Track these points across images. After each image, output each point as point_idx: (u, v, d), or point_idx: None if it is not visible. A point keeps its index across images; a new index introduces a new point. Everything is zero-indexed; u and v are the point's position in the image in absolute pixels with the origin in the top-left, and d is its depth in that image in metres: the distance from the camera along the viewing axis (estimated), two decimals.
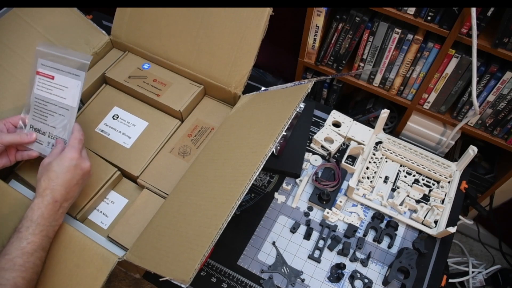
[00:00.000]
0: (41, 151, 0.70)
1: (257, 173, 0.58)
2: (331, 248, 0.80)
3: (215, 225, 0.55)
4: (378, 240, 0.82)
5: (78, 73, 0.67)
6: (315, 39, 1.19)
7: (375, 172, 0.90)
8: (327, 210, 0.84)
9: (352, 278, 0.77)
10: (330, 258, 0.80)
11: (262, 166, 0.59)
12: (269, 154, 0.60)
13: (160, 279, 0.55)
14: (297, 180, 0.89)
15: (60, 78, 0.68)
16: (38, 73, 0.69)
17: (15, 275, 0.54)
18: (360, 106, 1.39)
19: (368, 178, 0.89)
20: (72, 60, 0.67)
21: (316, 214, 0.85)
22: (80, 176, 0.64)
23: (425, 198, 0.88)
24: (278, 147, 0.90)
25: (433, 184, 0.90)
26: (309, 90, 0.66)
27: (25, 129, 0.70)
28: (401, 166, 0.92)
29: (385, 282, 0.77)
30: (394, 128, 1.32)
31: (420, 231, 0.83)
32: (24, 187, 0.73)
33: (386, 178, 0.90)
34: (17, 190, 0.68)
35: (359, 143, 0.93)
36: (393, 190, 0.88)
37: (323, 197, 0.84)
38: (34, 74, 0.69)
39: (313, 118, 0.98)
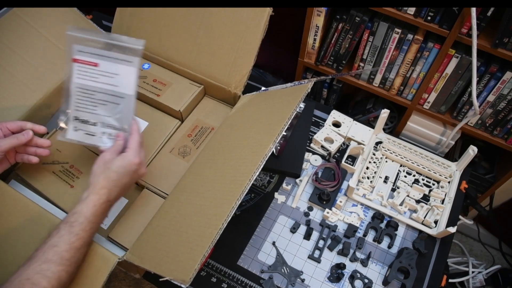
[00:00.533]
0: (94, 143, 0.67)
1: (257, 173, 0.58)
2: (331, 248, 0.80)
3: (215, 225, 0.55)
4: (378, 240, 0.82)
5: (131, 59, 0.64)
6: (315, 39, 1.19)
7: (375, 172, 0.90)
8: (327, 210, 0.84)
9: (352, 278, 0.77)
10: (330, 258, 0.80)
11: (262, 166, 0.59)
12: (269, 154, 0.60)
13: (160, 279, 0.55)
14: (297, 180, 0.89)
15: (106, 64, 0.64)
16: (76, 60, 0.64)
17: (60, 268, 0.54)
18: (360, 106, 1.39)
19: (368, 178, 0.89)
20: (119, 46, 0.63)
21: (316, 214, 0.85)
22: (135, 181, 0.66)
23: (425, 198, 0.88)
24: (278, 147, 0.90)
25: (433, 184, 0.90)
26: (309, 90, 0.66)
27: (66, 124, 0.66)
28: (401, 166, 0.92)
29: (385, 282, 0.77)
30: (394, 128, 1.32)
31: (420, 231, 0.83)
32: (24, 187, 0.73)
33: (386, 178, 0.90)
34: (17, 190, 0.68)
35: (359, 143, 0.93)
36: (393, 190, 0.88)
37: (323, 197, 0.84)
38: (69, 61, 0.64)
39: (313, 118, 0.98)
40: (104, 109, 0.66)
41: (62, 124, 0.67)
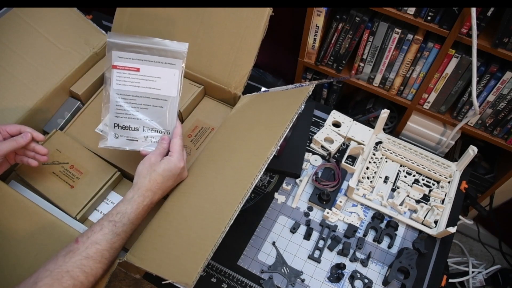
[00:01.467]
0: (136, 148, 0.67)
1: (259, 176, 0.58)
2: (331, 248, 0.80)
3: (218, 228, 0.55)
4: (378, 240, 0.82)
5: (174, 61, 0.64)
6: (315, 39, 1.19)
7: (375, 172, 0.90)
8: (327, 210, 0.84)
9: (352, 278, 0.77)
10: (330, 258, 0.80)
11: (264, 169, 0.59)
12: (271, 157, 0.60)
13: (163, 282, 0.55)
14: (297, 180, 0.89)
15: (148, 69, 0.64)
16: (115, 67, 0.64)
17: (99, 266, 0.56)
18: (360, 106, 1.39)
19: (368, 178, 0.89)
20: (162, 50, 0.64)
21: (316, 214, 0.85)
22: (176, 183, 0.67)
23: (425, 198, 0.88)
24: (278, 147, 0.89)
25: (433, 184, 0.90)
26: (310, 93, 0.66)
27: (108, 131, 0.67)
28: (401, 166, 0.92)
29: (385, 282, 0.77)
30: (394, 128, 1.32)
31: (420, 231, 0.83)
32: (24, 188, 0.73)
33: (386, 178, 0.90)
34: (17, 191, 0.68)
35: (359, 143, 0.93)
36: (393, 190, 0.88)
37: (323, 197, 0.84)
38: (109, 68, 0.64)
39: (313, 118, 0.98)
40: (146, 113, 0.66)
41: (101, 133, 0.68)
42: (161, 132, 0.68)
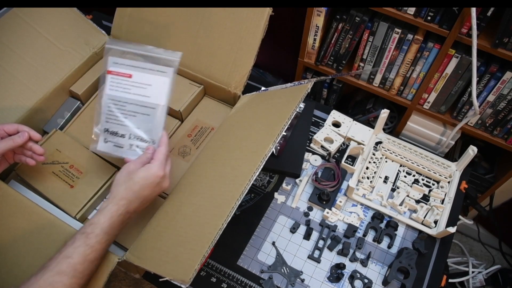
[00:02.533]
0: (122, 155, 0.67)
1: (257, 173, 0.58)
2: (331, 248, 0.80)
3: (215, 225, 0.55)
4: (378, 240, 0.82)
5: (165, 69, 0.63)
6: (315, 39, 1.19)
7: (375, 172, 0.90)
8: (327, 210, 0.84)
9: (352, 278, 0.77)
10: (330, 258, 0.80)
11: (262, 166, 0.59)
12: (269, 154, 0.60)
13: (160, 279, 0.55)
14: (297, 180, 0.89)
15: (140, 76, 0.64)
16: (110, 72, 0.64)
17: (73, 281, 0.54)
18: (360, 106, 1.39)
19: (368, 178, 0.89)
20: (155, 57, 0.64)
21: (316, 214, 0.85)
22: (157, 193, 0.64)
23: (425, 198, 0.88)
24: (278, 147, 0.90)
25: (433, 184, 0.90)
26: (309, 90, 0.66)
27: (99, 137, 0.66)
28: (401, 166, 0.92)
29: (385, 282, 0.77)
30: (394, 128, 1.32)
31: (420, 231, 0.83)
32: (23, 188, 0.73)
33: (386, 178, 0.90)
34: (17, 191, 0.68)
35: (359, 143, 0.93)
36: (393, 190, 0.88)
37: (323, 197, 0.84)
38: (104, 73, 0.64)
39: (313, 118, 0.98)
40: (134, 120, 0.66)
41: (94, 137, 0.67)
42: (147, 141, 0.67)
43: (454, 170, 0.90)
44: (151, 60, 0.64)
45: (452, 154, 1.29)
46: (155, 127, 0.66)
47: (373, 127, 0.95)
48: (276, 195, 0.87)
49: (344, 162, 0.90)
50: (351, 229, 0.82)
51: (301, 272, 0.78)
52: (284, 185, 0.88)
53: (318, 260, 0.79)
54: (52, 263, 0.54)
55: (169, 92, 0.65)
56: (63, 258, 0.54)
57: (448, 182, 0.89)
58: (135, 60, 0.64)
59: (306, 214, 0.85)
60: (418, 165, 0.90)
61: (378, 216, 0.84)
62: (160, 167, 0.63)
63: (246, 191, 0.57)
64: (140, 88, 0.65)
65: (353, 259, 0.79)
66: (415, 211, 0.85)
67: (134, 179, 0.61)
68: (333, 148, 0.91)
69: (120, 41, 0.65)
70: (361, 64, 1.20)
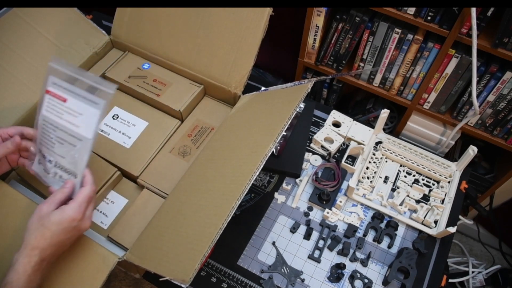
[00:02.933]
0: (47, 181, 0.63)
1: (257, 173, 0.58)
2: (331, 248, 0.80)
3: (215, 225, 0.55)
4: (378, 240, 0.82)
5: (98, 101, 0.57)
6: (315, 39, 1.19)
7: (375, 172, 0.90)
8: (327, 210, 0.84)
9: (352, 278, 0.77)
10: (330, 258, 0.80)
11: (262, 166, 0.59)
12: (269, 154, 0.60)
13: (160, 279, 0.55)
14: (297, 180, 0.89)
15: (74, 102, 0.59)
16: (48, 92, 0.60)
17: None
18: (360, 106, 1.39)
19: (368, 178, 0.89)
20: (90, 85, 0.59)
21: (316, 214, 0.85)
22: (75, 237, 0.59)
23: (425, 198, 0.88)
24: (278, 147, 0.90)
25: (433, 184, 0.90)
26: (309, 90, 0.66)
27: (35, 156, 0.63)
28: (401, 166, 0.92)
29: (385, 282, 0.77)
30: (394, 128, 1.32)
31: (420, 231, 0.83)
32: (24, 187, 0.73)
33: (386, 178, 0.90)
34: (17, 190, 0.68)
35: (359, 143, 0.93)
36: (393, 190, 0.88)
37: (323, 197, 0.84)
38: (43, 92, 0.61)
39: (313, 118, 0.98)
40: (61, 148, 0.61)
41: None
42: (69, 173, 0.61)
43: (454, 170, 0.90)
44: (88, 88, 0.59)
45: (452, 154, 1.29)
46: (79, 160, 0.60)
47: (373, 127, 0.95)
48: (276, 195, 0.87)
49: (344, 162, 0.90)
50: (351, 229, 0.82)
51: (301, 272, 0.78)
52: (284, 185, 0.88)
53: (318, 260, 0.79)
54: None
55: (96, 126, 0.59)
56: None
57: (448, 182, 0.89)
58: (73, 84, 0.59)
59: (306, 214, 0.85)
60: (418, 165, 0.90)
61: (378, 216, 0.84)
62: (77, 210, 0.56)
63: (246, 191, 0.57)
64: (71, 116, 0.59)
65: (353, 259, 0.79)
66: (415, 211, 0.85)
67: (45, 224, 0.55)
68: (333, 148, 0.92)
69: (64, 62, 0.61)
70: (361, 64, 1.20)
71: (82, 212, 0.57)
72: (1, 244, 0.63)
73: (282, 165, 0.88)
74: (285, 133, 0.91)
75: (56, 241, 0.55)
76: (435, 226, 0.83)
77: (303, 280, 0.77)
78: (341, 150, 0.94)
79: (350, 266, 0.79)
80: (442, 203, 0.86)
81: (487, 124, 1.13)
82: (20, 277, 0.52)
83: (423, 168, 0.90)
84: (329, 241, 0.81)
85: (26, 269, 0.53)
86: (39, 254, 0.54)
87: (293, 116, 0.63)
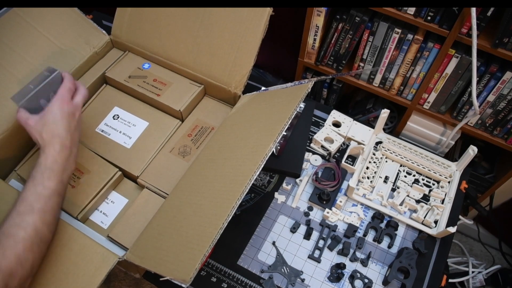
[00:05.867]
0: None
1: (257, 173, 0.58)
2: (331, 248, 0.80)
3: (216, 224, 0.56)
4: (378, 240, 0.82)
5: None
6: (315, 39, 1.19)
7: (375, 172, 0.90)
8: (327, 210, 0.84)
9: (352, 278, 0.77)
10: (330, 258, 0.80)
11: (262, 166, 0.59)
12: (269, 154, 0.60)
13: (161, 279, 0.55)
14: (297, 180, 0.89)
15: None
16: None
17: (35, 217, 0.55)
18: (360, 106, 1.39)
19: (368, 178, 0.89)
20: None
21: (316, 214, 0.85)
22: (76, 122, 0.65)
23: (425, 198, 0.88)
24: (278, 147, 0.90)
25: (433, 184, 0.90)
26: (309, 90, 0.66)
27: None
28: (401, 166, 0.92)
29: (385, 282, 0.77)
30: (394, 128, 1.32)
31: (420, 231, 0.83)
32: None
33: (386, 178, 0.90)
34: (17, 190, 0.68)
35: (359, 143, 0.93)
36: (393, 190, 0.88)
37: (323, 197, 0.84)
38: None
39: (313, 118, 0.98)
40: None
41: None
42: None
43: (454, 170, 0.90)
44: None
45: (452, 154, 1.29)
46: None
47: (373, 127, 0.95)
48: (276, 195, 0.87)
49: (344, 162, 0.90)
50: (351, 229, 0.82)
51: (301, 272, 0.78)
52: (284, 185, 0.88)
53: (318, 260, 0.79)
54: (11, 210, 0.56)
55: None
56: (19, 202, 0.56)
57: (448, 182, 0.89)
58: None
59: (306, 214, 0.85)
60: (418, 165, 0.90)
61: (378, 216, 0.84)
62: (61, 97, 0.63)
63: (247, 190, 0.57)
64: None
65: (353, 259, 0.79)
66: (415, 211, 0.85)
67: (45, 122, 0.61)
68: (333, 148, 0.92)
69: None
70: (361, 64, 1.20)
71: (67, 99, 0.64)
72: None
73: (282, 165, 0.88)
74: (285, 133, 0.91)
75: (64, 127, 0.62)
76: (435, 226, 0.83)
77: (303, 280, 0.77)
78: (341, 150, 0.94)
79: (350, 266, 0.79)
80: (442, 203, 0.86)
81: (487, 124, 1.13)
82: (47, 159, 0.59)
83: (423, 168, 0.90)
84: (329, 241, 0.81)
85: (53, 154, 0.59)
86: (59, 141, 0.60)
87: (293, 116, 0.63)
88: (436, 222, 0.84)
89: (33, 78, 0.67)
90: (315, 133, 0.94)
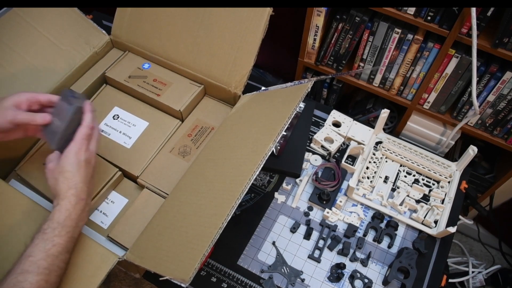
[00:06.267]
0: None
1: (257, 173, 0.58)
2: (331, 248, 0.80)
3: (215, 224, 0.56)
4: (378, 240, 0.82)
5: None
6: (315, 39, 1.19)
7: (375, 172, 0.90)
8: (327, 210, 0.84)
9: (352, 278, 0.77)
10: (330, 258, 0.80)
11: (262, 166, 0.59)
12: (269, 153, 0.60)
13: (160, 279, 0.55)
14: (297, 180, 0.89)
15: None
16: None
17: (39, 278, 0.52)
18: (360, 106, 1.39)
19: (368, 178, 0.89)
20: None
21: (316, 214, 0.85)
22: (91, 170, 0.64)
23: (425, 198, 0.88)
24: (278, 147, 0.90)
25: (433, 184, 0.90)
26: (309, 90, 0.66)
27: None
28: (401, 166, 0.92)
29: (385, 282, 0.77)
30: (394, 128, 1.32)
31: (420, 231, 0.83)
32: (23, 187, 0.73)
33: (386, 178, 0.90)
34: (17, 190, 0.68)
35: (359, 143, 0.93)
36: (393, 190, 0.88)
37: (323, 197, 0.84)
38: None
39: (313, 118, 0.98)
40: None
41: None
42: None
43: (454, 170, 0.90)
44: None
45: (452, 154, 1.29)
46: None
47: (373, 127, 0.95)
48: (276, 194, 0.87)
49: (344, 162, 0.90)
50: (351, 229, 0.82)
51: (301, 272, 0.78)
52: (284, 184, 0.88)
53: (318, 260, 0.79)
54: (15, 266, 0.53)
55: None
56: (25, 258, 0.53)
57: (448, 182, 0.89)
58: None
59: (306, 214, 0.85)
60: (418, 165, 0.90)
61: (378, 216, 0.84)
62: (77, 146, 0.61)
63: (246, 190, 0.57)
64: None
65: (353, 259, 0.79)
66: (415, 211, 0.85)
67: (62, 170, 0.60)
68: (333, 148, 0.92)
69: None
70: (361, 64, 1.20)
71: (84, 146, 0.62)
72: (1, 243, 0.63)
73: (282, 165, 0.88)
74: (285, 133, 0.91)
75: (81, 178, 0.61)
76: (435, 226, 0.83)
77: (303, 280, 0.77)
78: (341, 150, 0.94)
79: (350, 266, 0.79)
80: (442, 203, 0.86)
81: (487, 124, 1.13)
82: (61, 214, 0.58)
83: (423, 168, 0.90)
84: (329, 241, 0.81)
85: (68, 208, 0.58)
86: (75, 193, 0.59)
87: (293, 116, 0.63)
88: (436, 222, 0.84)
89: (56, 107, 0.64)
90: (315, 133, 0.94)
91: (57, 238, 0.56)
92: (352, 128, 0.95)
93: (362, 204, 0.86)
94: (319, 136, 0.93)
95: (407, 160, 0.91)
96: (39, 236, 0.56)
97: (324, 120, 0.97)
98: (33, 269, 0.53)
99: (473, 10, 0.89)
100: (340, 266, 0.77)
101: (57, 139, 0.63)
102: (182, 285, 0.53)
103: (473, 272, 1.34)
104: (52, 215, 0.58)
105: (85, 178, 0.62)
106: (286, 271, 0.78)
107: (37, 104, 0.64)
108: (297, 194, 0.86)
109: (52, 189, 0.61)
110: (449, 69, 1.06)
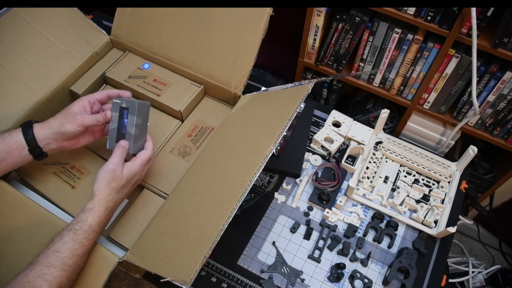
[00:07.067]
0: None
1: (258, 174, 0.58)
2: (331, 248, 0.80)
3: (216, 226, 0.55)
4: (378, 240, 0.82)
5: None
6: (315, 39, 1.19)
7: (375, 172, 0.90)
8: (327, 210, 0.84)
9: (352, 278, 0.77)
10: (330, 258, 0.80)
11: (262, 167, 0.59)
12: (270, 155, 0.60)
13: (161, 280, 0.55)
14: (297, 180, 0.89)
15: None
16: None
17: (62, 274, 0.55)
18: (360, 106, 1.39)
19: (368, 178, 0.89)
20: None
21: (316, 214, 0.85)
22: (132, 189, 0.68)
23: (425, 198, 0.88)
24: (278, 147, 0.90)
25: (433, 184, 0.90)
26: (310, 91, 0.66)
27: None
28: (401, 166, 0.92)
29: (385, 282, 0.77)
30: (394, 128, 1.32)
31: (420, 231, 0.83)
32: (24, 187, 0.73)
33: (386, 178, 0.90)
34: (18, 190, 0.68)
35: (359, 143, 0.93)
36: (393, 190, 0.88)
37: (323, 197, 0.84)
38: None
39: (313, 118, 0.98)
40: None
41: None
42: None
43: (454, 170, 0.90)
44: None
45: (452, 154, 1.29)
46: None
47: (373, 127, 0.95)
48: (276, 195, 0.87)
49: (344, 162, 0.90)
50: (351, 229, 0.82)
51: (301, 272, 0.78)
52: (284, 185, 0.88)
53: (318, 260, 0.79)
54: (41, 258, 0.56)
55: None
56: (52, 253, 0.56)
57: (448, 182, 0.89)
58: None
59: (306, 214, 0.85)
60: (418, 165, 0.90)
61: (378, 216, 0.84)
62: (140, 166, 0.66)
63: (247, 192, 0.57)
64: None
65: (353, 259, 0.79)
66: (415, 211, 0.85)
67: (116, 179, 0.63)
68: (333, 148, 0.92)
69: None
70: (361, 64, 1.20)
71: (145, 171, 0.68)
72: (2, 243, 0.63)
73: (282, 165, 0.88)
74: (285, 133, 0.91)
75: (124, 193, 0.65)
76: (435, 226, 0.83)
77: (303, 280, 0.77)
78: (341, 150, 0.94)
79: (350, 266, 0.79)
80: (442, 203, 0.86)
81: (487, 124, 1.13)
82: (94, 219, 0.60)
83: (423, 168, 0.90)
84: (329, 241, 0.81)
85: (100, 215, 0.61)
86: (112, 205, 0.63)
87: (293, 117, 0.63)
88: (436, 222, 0.84)
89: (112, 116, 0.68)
90: (315, 133, 0.94)
91: (85, 241, 0.59)
92: (352, 128, 0.95)
93: (362, 204, 0.86)
94: (319, 136, 0.93)
95: (407, 160, 0.91)
96: (70, 235, 0.58)
97: (324, 120, 0.97)
98: (58, 264, 0.55)
99: (473, 10, 0.89)
100: (340, 266, 0.77)
101: (132, 147, 0.68)
102: (183, 286, 0.53)
103: (473, 272, 1.34)
104: (86, 217, 0.60)
105: (124, 197, 0.66)
106: (286, 271, 0.78)
107: (97, 104, 0.70)
108: (297, 194, 0.86)
109: (96, 185, 0.63)
110: (449, 69, 1.06)
